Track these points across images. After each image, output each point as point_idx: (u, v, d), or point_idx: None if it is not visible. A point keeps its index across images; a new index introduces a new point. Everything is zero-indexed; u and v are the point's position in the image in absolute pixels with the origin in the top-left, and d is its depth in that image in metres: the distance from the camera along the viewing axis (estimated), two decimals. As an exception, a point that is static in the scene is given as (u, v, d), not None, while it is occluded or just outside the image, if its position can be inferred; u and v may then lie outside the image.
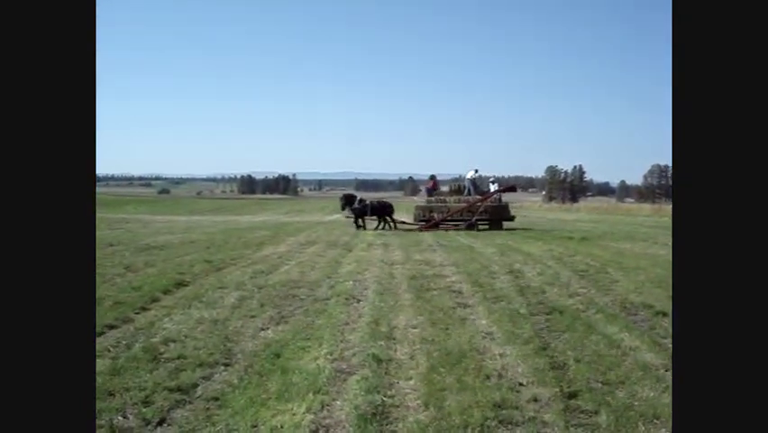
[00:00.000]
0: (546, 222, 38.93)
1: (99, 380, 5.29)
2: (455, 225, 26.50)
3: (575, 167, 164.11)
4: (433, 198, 28.85)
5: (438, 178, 31.28)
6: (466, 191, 29.30)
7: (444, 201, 28.41)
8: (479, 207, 26.68)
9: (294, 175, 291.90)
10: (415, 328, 7.22)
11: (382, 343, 6.51)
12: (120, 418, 4.56)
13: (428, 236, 21.96)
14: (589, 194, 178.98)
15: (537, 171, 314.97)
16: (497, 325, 7.42)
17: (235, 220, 40.04)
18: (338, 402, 4.86)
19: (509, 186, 35.63)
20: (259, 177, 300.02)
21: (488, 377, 5.47)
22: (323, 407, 4.75)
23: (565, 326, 7.45)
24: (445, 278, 11.28)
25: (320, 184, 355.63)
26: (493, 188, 30.28)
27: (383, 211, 26.76)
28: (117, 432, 4.33)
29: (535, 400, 4.96)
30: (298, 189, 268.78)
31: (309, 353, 6.18)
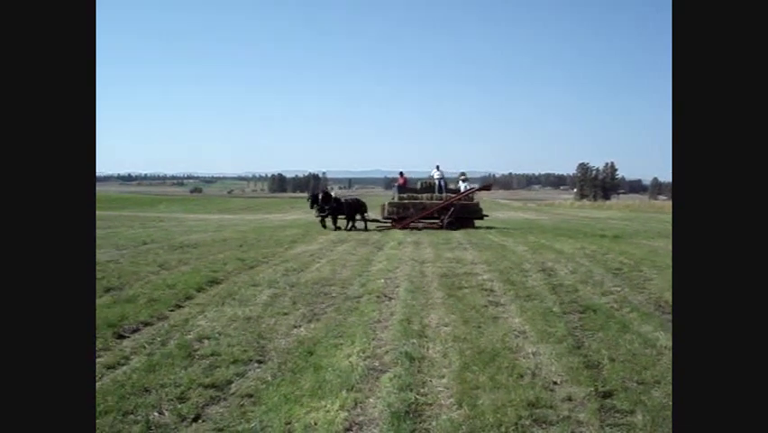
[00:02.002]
0: (578, 220, 38.55)
1: (135, 376, 5.38)
2: (430, 222, 25.91)
3: (607, 164, 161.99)
4: (405, 196, 27.98)
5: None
6: (437, 189, 28.47)
7: (416, 198, 27.59)
8: (453, 206, 25.95)
9: (324, 173, 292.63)
10: (447, 326, 7.20)
11: (414, 341, 6.50)
12: (156, 414, 4.62)
13: (458, 234, 21.87)
14: (621, 191, 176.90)
15: (568, 169, 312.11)
16: (529, 323, 7.37)
17: (266, 219, 40.29)
18: (371, 400, 4.88)
19: (485, 185, 35.23)
20: (289, 175, 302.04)
21: (521, 376, 5.44)
22: (356, 404, 4.77)
23: (599, 324, 7.37)
24: (477, 276, 11.24)
25: (350, 182, 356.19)
26: (463, 186, 29.42)
27: (358, 210, 25.87)
28: (153, 428, 4.38)
29: (570, 399, 4.93)
30: (329, 187, 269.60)
31: (342, 350, 6.21)
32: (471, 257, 14.35)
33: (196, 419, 4.55)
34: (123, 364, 5.79)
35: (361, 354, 6.05)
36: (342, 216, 25.40)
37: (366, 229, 24.74)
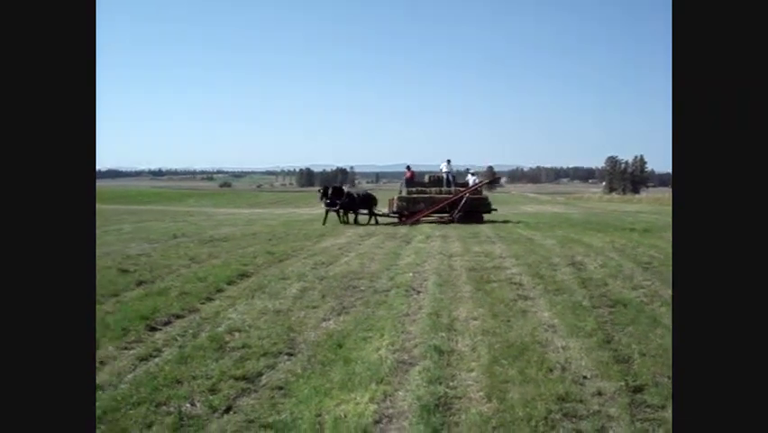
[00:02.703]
0: (607, 213, 38.17)
1: (167, 368, 5.45)
2: (440, 217, 25.61)
3: (636, 157, 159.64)
4: (413, 190, 27.29)
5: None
6: (445, 183, 27.82)
7: (426, 192, 26.94)
8: (463, 200, 25.58)
9: (351, 168, 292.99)
10: (475, 320, 7.20)
11: (443, 334, 6.51)
12: (188, 405, 4.68)
13: (486, 228, 21.79)
14: (651, 185, 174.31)
15: (597, 162, 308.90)
16: (559, 317, 7.33)
17: (295, 212, 40.50)
18: (400, 393, 4.90)
19: (494, 177, 34.62)
20: (317, 170, 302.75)
21: (551, 370, 5.42)
22: (385, 397, 4.80)
23: (629, 319, 7.31)
24: (505, 270, 11.19)
25: (377, 176, 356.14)
26: (471, 179, 28.97)
27: (368, 204, 25.59)
28: (185, 419, 4.44)
29: (600, 393, 4.90)
30: (356, 182, 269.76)
31: (371, 343, 6.23)
32: (500, 251, 14.30)
33: (227, 411, 4.60)
34: (155, 356, 5.87)
35: (390, 347, 6.08)
36: (364, 212, 25.21)
37: (377, 223, 24.61)
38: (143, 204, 55.78)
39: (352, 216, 25.03)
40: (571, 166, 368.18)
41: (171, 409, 4.59)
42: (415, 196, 26.61)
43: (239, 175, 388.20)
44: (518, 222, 26.26)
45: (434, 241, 16.91)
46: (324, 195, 25.07)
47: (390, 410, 4.57)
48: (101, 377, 5.25)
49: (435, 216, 25.76)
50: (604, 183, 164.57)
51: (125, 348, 6.12)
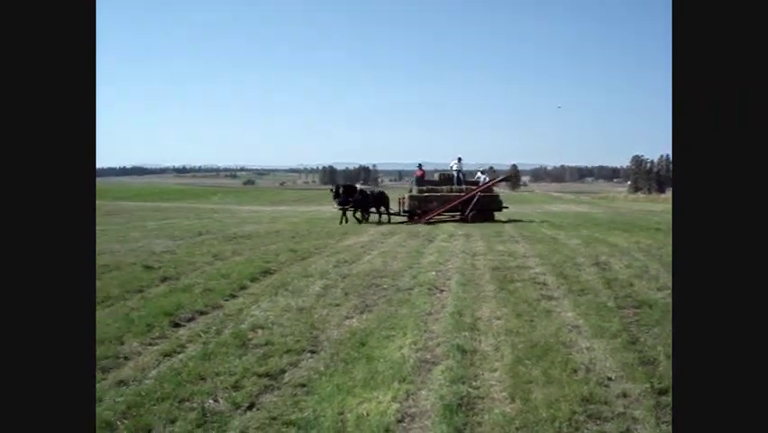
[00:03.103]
0: (632, 213, 37.81)
1: (191, 364, 5.48)
2: (452, 215, 25.44)
3: (662, 156, 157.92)
4: (424, 188, 26.90)
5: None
6: (456, 181, 27.40)
7: (438, 191, 26.70)
8: (475, 198, 25.33)
9: (374, 166, 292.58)
10: (499, 320, 7.15)
11: (466, 334, 6.47)
12: (211, 401, 4.70)
13: (509, 227, 21.70)
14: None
15: (622, 161, 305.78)
16: (583, 318, 7.26)
17: (318, 210, 40.59)
18: (423, 392, 4.87)
19: (507, 176, 34.26)
20: (340, 168, 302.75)
21: (575, 371, 5.36)
22: (408, 396, 4.77)
23: (655, 320, 7.21)
24: (529, 269, 11.12)
25: (400, 174, 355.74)
26: (482, 177, 28.81)
27: (381, 203, 25.35)
28: (208, 415, 4.45)
29: (625, 395, 4.83)
30: (379, 180, 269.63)
31: (394, 342, 6.22)
32: (523, 250, 14.21)
33: (250, 408, 4.61)
34: (179, 352, 5.91)
35: (412, 345, 6.06)
36: (374, 211, 24.94)
37: (389, 222, 24.40)
38: (168, 201, 56.22)
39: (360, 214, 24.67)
40: (595, 165, 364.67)
41: (194, 405, 4.61)
42: (426, 195, 26.28)
43: (262, 172, 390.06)
44: (542, 221, 26.10)
45: (456, 240, 16.86)
46: (337, 194, 24.76)
47: (413, 409, 4.54)
48: (125, 372, 5.29)
49: (447, 215, 25.60)
50: (629, 182, 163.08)
51: (149, 344, 6.17)
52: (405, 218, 25.53)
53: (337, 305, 8.01)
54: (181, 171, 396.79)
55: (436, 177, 28.54)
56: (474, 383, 5.06)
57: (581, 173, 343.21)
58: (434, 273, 10.56)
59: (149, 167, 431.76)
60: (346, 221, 23.81)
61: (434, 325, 6.94)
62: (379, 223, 24.36)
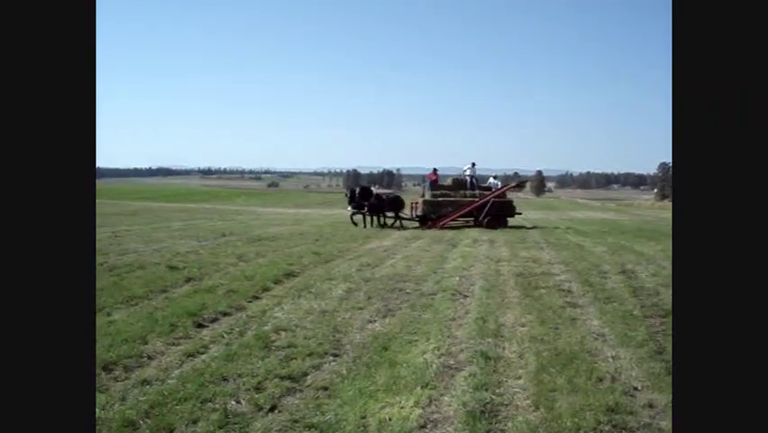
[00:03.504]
0: (659, 221, 37.38)
1: (213, 365, 5.48)
2: (465, 221, 25.11)
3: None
4: (437, 193, 26.47)
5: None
6: (469, 186, 26.97)
7: (451, 196, 26.13)
8: (488, 203, 24.98)
9: (398, 170, 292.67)
10: (523, 327, 7.08)
11: (490, 340, 6.41)
12: (233, 402, 4.69)
13: (534, 234, 21.55)
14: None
15: (649, 168, 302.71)
16: (609, 326, 7.17)
17: (342, 213, 40.63)
18: (446, 398, 4.82)
19: (520, 182, 34.22)
20: (364, 171, 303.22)
21: (600, 380, 5.28)
22: (430, 402, 4.72)
23: (682, 329, 7.08)
24: (554, 276, 11.02)
25: (423, 179, 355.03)
26: (494, 183, 28.43)
27: (397, 207, 24.84)
28: (231, 416, 4.44)
29: (651, 405, 4.75)
30: (402, 184, 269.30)
31: (417, 347, 6.17)
32: (548, 257, 14.09)
33: (272, 410, 4.59)
34: (202, 353, 5.91)
35: (435, 351, 6.01)
36: (390, 216, 24.43)
37: (402, 227, 24.01)
38: (194, 202, 56.67)
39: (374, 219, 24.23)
40: (621, 172, 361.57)
41: (217, 405, 4.59)
42: (441, 199, 26.00)
43: (287, 175, 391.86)
44: (567, 228, 25.91)
45: (480, 245, 16.78)
46: (352, 198, 24.14)
47: (436, 415, 4.50)
48: (148, 372, 5.31)
49: (462, 221, 25.37)
50: (656, 190, 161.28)
51: (173, 344, 6.19)
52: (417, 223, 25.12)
53: (360, 308, 7.98)
54: (206, 173, 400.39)
55: (449, 181, 28.22)
56: (498, 390, 5.00)
57: (608, 180, 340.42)
58: (457, 279, 10.49)
59: (174, 168, 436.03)
60: (365, 226, 23.47)
61: (457, 330, 6.89)
62: (392, 226, 24.05)
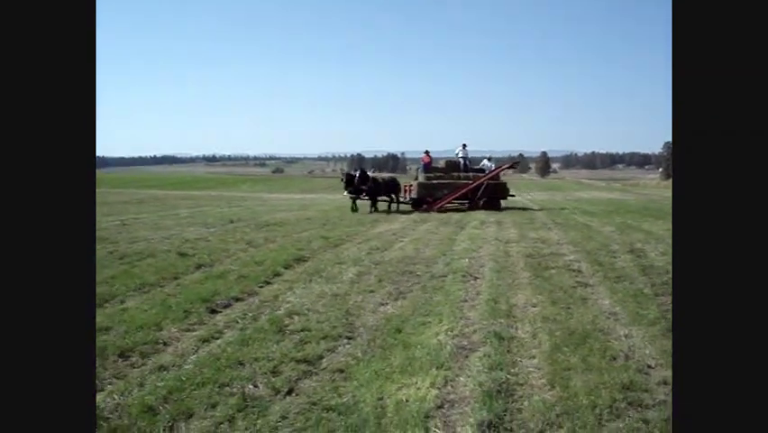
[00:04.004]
0: (664, 200, 37.29)
1: (229, 349, 5.52)
2: (460, 203, 25.04)
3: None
4: (431, 176, 26.32)
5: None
6: (462, 168, 26.91)
7: (446, 179, 26.14)
8: (483, 185, 24.94)
9: (403, 154, 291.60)
10: (535, 307, 7.10)
11: (502, 321, 6.44)
12: (251, 386, 4.72)
13: (541, 214, 21.56)
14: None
15: (654, 148, 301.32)
16: (620, 305, 7.19)
17: (348, 198, 40.62)
18: (461, 378, 4.85)
19: (513, 162, 34.25)
20: (368, 156, 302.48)
21: (614, 358, 5.31)
22: (446, 382, 4.76)
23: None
24: (563, 256, 11.03)
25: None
26: (488, 165, 28.46)
27: (394, 190, 24.65)
28: (249, 400, 4.48)
29: (665, 382, 4.76)
30: (407, 168, 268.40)
31: (430, 328, 6.20)
32: (557, 237, 14.11)
33: (289, 393, 4.62)
34: (217, 338, 5.95)
35: (449, 332, 6.04)
36: (386, 199, 24.14)
37: (398, 210, 23.79)
38: (199, 189, 56.71)
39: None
40: (626, 151, 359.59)
41: (234, 390, 4.63)
42: (436, 182, 25.76)
43: (291, 161, 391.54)
44: (574, 208, 25.89)
45: (488, 227, 16.79)
46: (349, 183, 23.36)
47: (452, 396, 4.53)
48: (165, 358, 5.34)
49: (456, 203, 25.27)
50: (660, 169, 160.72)
51: (187, 330, 6.23)
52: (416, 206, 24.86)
53: (371, 291, 8.01)
54: (211, 160, 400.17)
55: (442, 164, 28.01)
56: (513, 370, 5.03)
57: (612, 160, 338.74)
58: (467, 260, 10.51)
59: (179, 156, 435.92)
60: (355, 210, 22.83)
61: (469, 312, 6.91)
62: (388, 210, 23.83)
